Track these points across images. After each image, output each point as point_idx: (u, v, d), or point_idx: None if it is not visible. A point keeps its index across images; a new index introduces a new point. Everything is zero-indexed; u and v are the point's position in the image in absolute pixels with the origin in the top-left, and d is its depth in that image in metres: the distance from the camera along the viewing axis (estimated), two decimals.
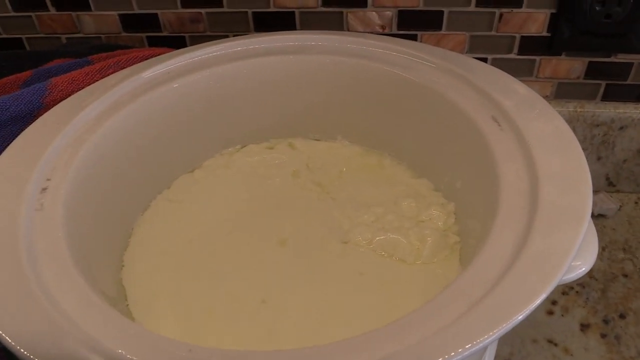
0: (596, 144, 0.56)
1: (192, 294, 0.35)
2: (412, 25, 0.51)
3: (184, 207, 0.41)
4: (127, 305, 0.35)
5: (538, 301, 0.24)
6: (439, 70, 0.40)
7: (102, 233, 0.36)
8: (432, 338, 0.23)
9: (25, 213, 0.30)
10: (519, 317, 0.23)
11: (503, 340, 0.45)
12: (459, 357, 0.22)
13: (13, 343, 0.24)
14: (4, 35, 0.55)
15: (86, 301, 0.26)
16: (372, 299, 0.34)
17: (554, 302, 0.48)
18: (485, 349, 0.24)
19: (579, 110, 0.54)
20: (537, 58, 0.52)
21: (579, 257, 0.28)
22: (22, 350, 0.23)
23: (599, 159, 0.57)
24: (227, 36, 0.53)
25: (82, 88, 0.40)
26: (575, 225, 0.28)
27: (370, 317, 0.33)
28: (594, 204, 0.56)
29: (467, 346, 0.23)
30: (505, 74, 0.39)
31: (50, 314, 0.25)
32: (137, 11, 0.53)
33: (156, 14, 0.53)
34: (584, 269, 0.30)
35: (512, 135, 0.34)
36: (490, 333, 0.23)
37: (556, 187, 0.30)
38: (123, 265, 0.37)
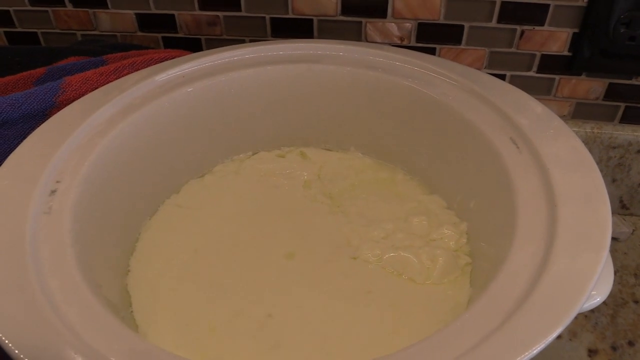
0: (612, 166, 0.55)
1: (195, 306, 0.34)
2: (431, 38, 0.51)
3: (192, 214, 0.41)
4: (132, 312, 0.34)
5: (552, 336, 0.24)
6: (457, 87, 0.39)
7: (109, 237, 0.36)
8: None
9: (33, 216, 0.29)
10: (529, 355, 0.23)
11: None
12: None
13: (15, 350, 0.23)
14: (20, 29, 0.55)
15: (91, 312, 0.26)
16: (380, 318, 0.34)
17: None
18: None
19: (596, 131, 0.53)
20: (557, 77, 0.52)
21: (595, 286, 0.27)
22: (24, 358, 0.23)
23: (613, 181, 0.56)
24: (243, 41, 0.53)
25: (96, 88, 0.40)
26: (594, 254, 0.27)
27: (377, 337, 0.33)
28: None
29: None
30: (525, 93, 0.38)
31: (55, 325, 0.24)
32: (153, 11, 0.52)
33: (173, 15, 0.52)
34: (598, 299, 0.29)
35: (530, 158, 0.33)
36: None
37: (575, 213, 0.29)
38: (129, 271, 0.37)
